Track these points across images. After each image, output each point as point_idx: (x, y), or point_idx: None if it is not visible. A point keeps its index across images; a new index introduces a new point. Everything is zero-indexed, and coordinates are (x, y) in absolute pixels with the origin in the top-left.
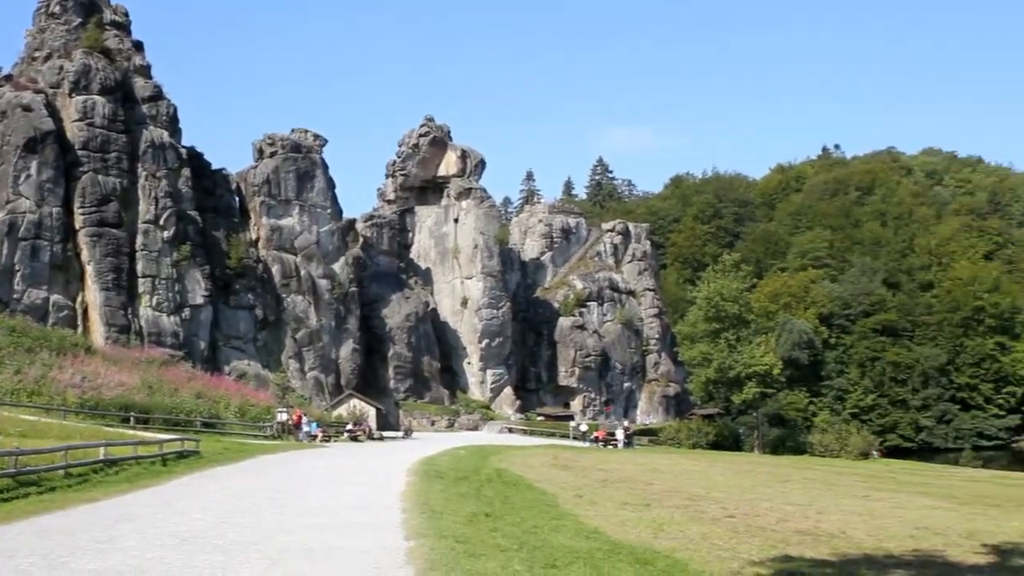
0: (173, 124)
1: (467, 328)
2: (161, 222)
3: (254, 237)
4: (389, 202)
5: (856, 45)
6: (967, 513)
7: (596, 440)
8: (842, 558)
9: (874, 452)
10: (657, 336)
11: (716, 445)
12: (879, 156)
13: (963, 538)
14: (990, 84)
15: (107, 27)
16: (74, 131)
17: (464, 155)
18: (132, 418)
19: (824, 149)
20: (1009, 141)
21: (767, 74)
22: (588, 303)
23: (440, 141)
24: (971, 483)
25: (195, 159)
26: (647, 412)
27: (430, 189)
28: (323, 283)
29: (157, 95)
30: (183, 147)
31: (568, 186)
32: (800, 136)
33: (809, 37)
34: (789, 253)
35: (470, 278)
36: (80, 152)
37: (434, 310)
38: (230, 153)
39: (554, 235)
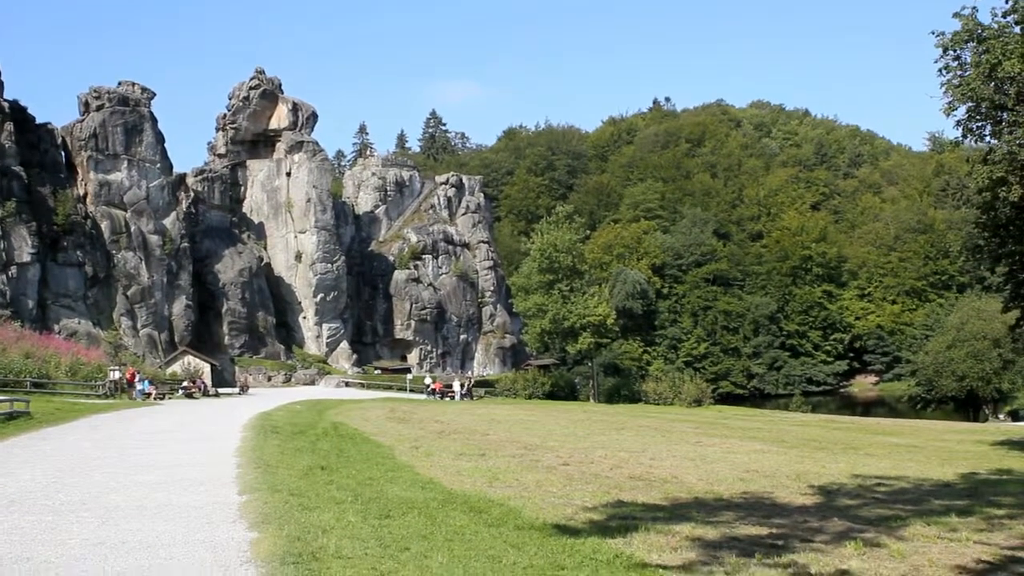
0: None
1: (302, 283)
2: None
3: (82, 193)
4: (220, 156)
5: None
6: (795, 456)
7: (433, 392)
8: (674, 502)
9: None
10: (492, 288)
11: (552, 395)
12: (709, 109)
13: (791, 480)
14: (816, 38)
15: None
16: None
17: (296, 108)
18: None
19: (655, 102)
20: (834, 94)
21: (598, 27)
22: (423, 256)
23: (271, 94)
24: (800, 427)
25: (18, 113)
26: (484, 364)
27: (262, 143)
28: (154, 239)
29: None
30: (5, 100)
31: (402, 139)
32: (631, 89)
33: None
34: (622, 205)
35: (304, 232)
36: None
37: (268, 265)
38: (55, 107)
39: (388, 188)
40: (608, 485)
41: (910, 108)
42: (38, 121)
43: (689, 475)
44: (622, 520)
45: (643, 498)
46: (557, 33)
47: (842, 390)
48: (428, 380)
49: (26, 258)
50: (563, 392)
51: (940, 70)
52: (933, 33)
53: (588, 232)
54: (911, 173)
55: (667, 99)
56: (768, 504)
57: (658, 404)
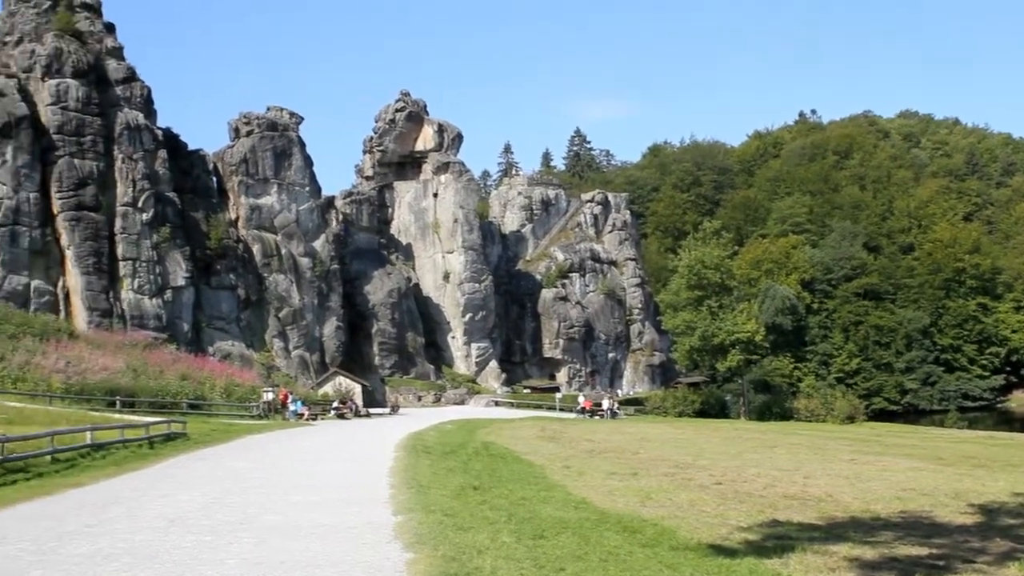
0: (148, 106)
1: (450, 302)
2: (139, 204)
3: (233, 217)
4: (367, 178)
5: (830, 9)
6: (953, 474)
7: (583, 411)
8: (830, 521)
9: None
10: (640, 305)
11: (702, 413)
12: (856, 120)
13: (950, 498)
14: (966, 45)
15: (77, 9)
16: (48, 115)
17: (441, 129)
18: (118, 402)
19: (801, 114)
20: (985, 102)
21: (742, 41)
22: (570, 274)
23: (416, 116)
24: (957, 444)
25: (171, 140)
26: (633, 382)
27: (408, 164)
28: (304, 261)
29: (130, 77)
30: (159, 128)
31: (546, 158)
32: (777, 102)
33: (783, 2)
34: (769, 219)
35: (451, 252)
36: (55, 136)
37: (416, 285)
38: (206, 133)
39: (534, 207)
40: (762, 504)
41: None
42: (190, 148)
43: (845, 494)
44: (778, 540)
45: (798, 517)
46: (700, 48)
47: (999, 405)
48: (581, 399)
49: (181, 282)
50: (713, 410)
51: None
52: None
53: (736, 248)
54: None
55: (813, 111)
56: (927, 523)
57: (810, 421)
